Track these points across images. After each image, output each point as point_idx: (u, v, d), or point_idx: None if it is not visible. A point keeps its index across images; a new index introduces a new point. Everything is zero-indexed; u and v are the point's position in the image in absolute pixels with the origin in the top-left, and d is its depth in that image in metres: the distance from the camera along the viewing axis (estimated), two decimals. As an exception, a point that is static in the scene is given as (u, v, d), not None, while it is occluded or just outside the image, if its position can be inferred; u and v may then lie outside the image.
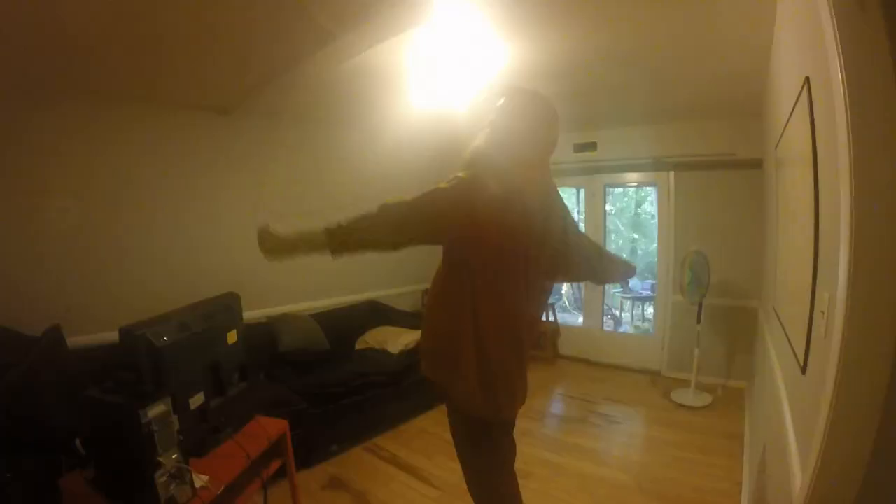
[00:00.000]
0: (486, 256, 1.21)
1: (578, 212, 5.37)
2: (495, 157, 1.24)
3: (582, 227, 4.78)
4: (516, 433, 1.45)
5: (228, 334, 1.62)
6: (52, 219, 2.37)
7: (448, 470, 2.51)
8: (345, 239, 1.17)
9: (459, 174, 1.21)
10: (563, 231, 1.35)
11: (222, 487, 1.34)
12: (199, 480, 1.32)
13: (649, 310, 5.34)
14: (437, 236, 1.25)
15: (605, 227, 4.60)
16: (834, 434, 0.79)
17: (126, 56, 2.05)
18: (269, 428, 1.69)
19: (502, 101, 1.33)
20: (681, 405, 3.37)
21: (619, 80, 2.86)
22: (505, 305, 1.24)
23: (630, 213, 6.54)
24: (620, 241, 6.45)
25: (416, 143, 4.01)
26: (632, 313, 5.85)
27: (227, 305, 1.68)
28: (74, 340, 2.18)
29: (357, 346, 3.52)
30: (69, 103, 2.40)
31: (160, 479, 1.19)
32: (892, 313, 0.73)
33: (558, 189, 1.40)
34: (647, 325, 5.43)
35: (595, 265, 1.54)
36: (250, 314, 2.36)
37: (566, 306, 6.21)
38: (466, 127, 1.38)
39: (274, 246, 1.20)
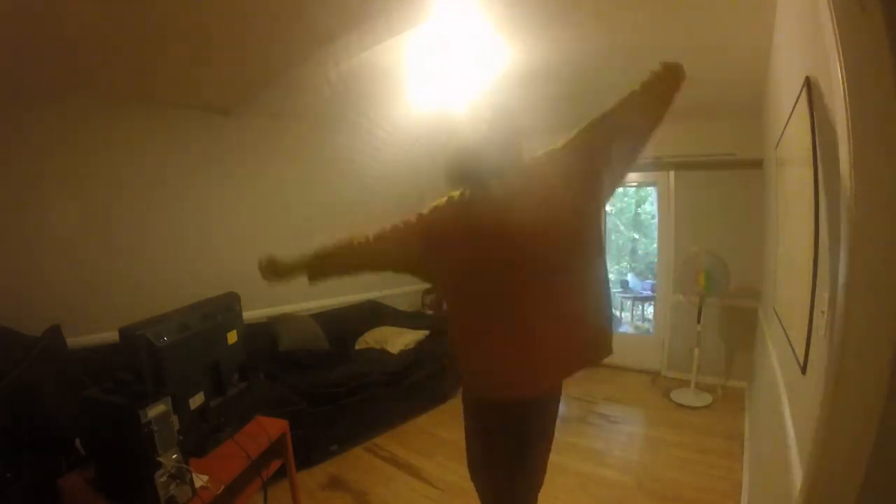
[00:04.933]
0: (452, 279, 1.29)
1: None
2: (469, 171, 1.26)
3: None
4: None
5: (228, 334, 1.62)
6: (51, 218, 2.37)
7: (448, 470, 2.52)
8: (321, 267, 1.37)
9: (423, 212, 1.30)
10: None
11: (222, 487, 1.34)
12: (199, 480, 1.32)
13: (649, 310, 5.34)
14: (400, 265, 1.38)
15: (605, 227, 4.60)
16: (834, 434, 0.79)
17: (125, 55, 2.04)
18: (269, 428, 1.69)
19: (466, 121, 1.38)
20: (681, 405, 3.36)
21: (619, 81, 2.84)
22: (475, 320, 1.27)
23: (630, 213, 6.55)
24: (621, 241, 6.45)
25: (416, 143, 4.00)
26: (632, 313, 5.85)
27: (227, 305, 1.68)
28: (74, 340, 2.18)
29: (357, 346, 3.51)
30: (69, 103, 2.40)
31: (160, 479, 1.19)
32: (892, 313, 0.73)
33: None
34: (647, 325, 5.43)
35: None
36: (250, 314, 2.36)
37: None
38: (465, 130, 1.38)
39: (274, 275, 1.40)
